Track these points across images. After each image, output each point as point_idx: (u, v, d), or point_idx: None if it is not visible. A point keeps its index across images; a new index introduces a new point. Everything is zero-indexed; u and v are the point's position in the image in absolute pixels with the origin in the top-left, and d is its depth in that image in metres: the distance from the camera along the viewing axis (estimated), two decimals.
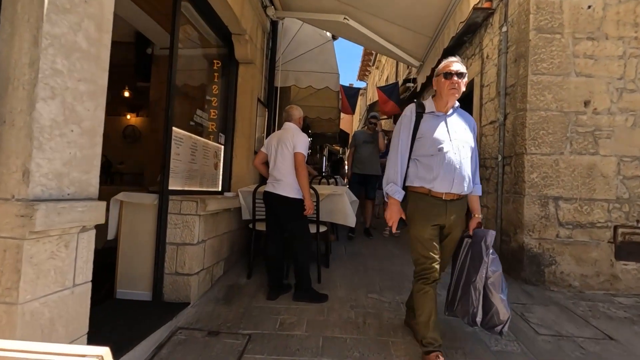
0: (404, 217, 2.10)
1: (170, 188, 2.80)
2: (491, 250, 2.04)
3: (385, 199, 2.16)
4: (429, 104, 2.15)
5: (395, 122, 11.98)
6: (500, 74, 4.22)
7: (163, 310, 2.48)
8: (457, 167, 1.99)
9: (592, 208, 3.55)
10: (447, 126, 2.06)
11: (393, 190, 2.08)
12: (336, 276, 3.52)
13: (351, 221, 3.52)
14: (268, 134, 4.91)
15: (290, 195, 2.85)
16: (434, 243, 2.07)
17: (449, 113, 2.12)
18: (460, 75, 2.05)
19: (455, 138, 2.03)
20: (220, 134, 3.89)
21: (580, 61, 3.61)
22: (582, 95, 3.59)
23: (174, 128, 2.83)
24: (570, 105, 3.60)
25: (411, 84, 9.00)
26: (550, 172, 3.60)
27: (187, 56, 3.78)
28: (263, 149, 3.15)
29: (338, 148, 20.32)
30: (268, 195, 2.96)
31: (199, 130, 3.47)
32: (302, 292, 2.88)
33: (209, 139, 3.66)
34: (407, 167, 2.10)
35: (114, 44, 1.60)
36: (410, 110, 2.15)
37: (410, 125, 2.10)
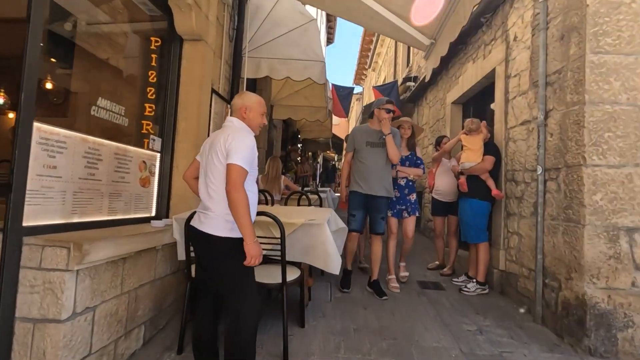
0: None
1: (31, 223, 1.69)
2: None
3: None
4: None
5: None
6: (537, 59, 3.15)
7: None
8: None
9: None
10: None
11: None
12: (313, 344, 2.39)
13: (334, 266, 2.38)
14: None
15: (219, 234, 1.73)
16: None
17: None
18: None
19: None
20: (152, 137, 2.77)
21: None
22: None
23: (37, 125, 1.71)
24: None
25: (412, 83, 7.96)
26: (621, 193, 2.51)
27: (106, 31, 2.69)
28: (198, 157, 2.03)
29: (333, 154, 19.26)
30: (192, 232, 1.84)
31: (111, 131, 2.35)
32: None
33: (132, 144, 2.54)
34: None
35: None
36: None
37: None
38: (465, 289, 3.60)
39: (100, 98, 2.23)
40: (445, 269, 4.26)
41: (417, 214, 3.81)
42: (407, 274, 3.95)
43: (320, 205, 4.27)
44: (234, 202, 1.64)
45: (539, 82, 3.06)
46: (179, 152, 2.93)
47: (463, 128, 3.90)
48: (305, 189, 5.12)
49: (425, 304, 3.25)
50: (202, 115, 3.03)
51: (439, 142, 4.47)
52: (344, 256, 3.18)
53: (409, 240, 3.85)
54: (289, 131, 9.81)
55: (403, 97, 8.49)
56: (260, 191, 4.02)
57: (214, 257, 1.76)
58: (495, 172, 3.70)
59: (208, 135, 3.19)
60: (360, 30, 18.31)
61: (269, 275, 2.37)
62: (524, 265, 3.31)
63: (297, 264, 2.61)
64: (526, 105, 3.37)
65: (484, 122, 3.83)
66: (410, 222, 3.77)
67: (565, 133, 2.76)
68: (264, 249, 2.34)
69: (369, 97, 15.00)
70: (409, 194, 3.78)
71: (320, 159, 20.09)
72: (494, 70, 4.05)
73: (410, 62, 9.05)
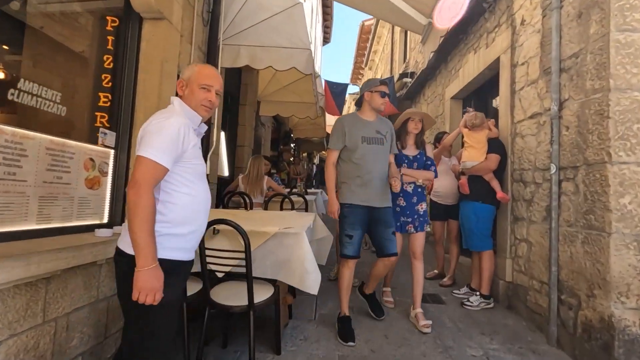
0: None
1: None
2: None
3: None
4: None
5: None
6: (548, 42, 2.77)
7: None
8: None
9: None
10: None
11: None
12: None
13: (311, 284, 1.97)
14: (209, 136, 3.43)
15: (124, 248, 1.35)
16: None
17: None
18: None
19: None
20: (103, 131, 2.37)
21: None
22: None
23: None
24: None
25: (408, 79, 7.59)
26: None
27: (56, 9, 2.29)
28: None
29: None
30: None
31: (43, 121, 1.95)
32: None
33: (77, 138, 2.14)
34: None
35: None
36: None
37: None
38: (468, 303, 3.20)
39: (23, 80, 1.83)
40: (445, 279, 3.87)
41: (427, 228, 2.97)
42: (392, 300, 3.25)
43: (306, 210, 3.86)
44: (131, 207, 1.22)
45: (552, 68, 2.68)
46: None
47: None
48: (294, 190, 4.72)
49: None
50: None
51: (438, 139, 4.09)
52: (334, 285, 2.64)
53: (416, 263, 2.94)
54: (281, 130, 9.42)
55: (400, 94, 8.11)
56: (239, 193, 3.63)
57: (118, 279, 1.37)
58: (500, 172, 3.32)
59: None
60: (356, 28, 17.97)
61: (234, 296, 1.97)
62: (534, 277, 2.92)
63: (272, 280, 2.21)
64: (536, 96, 2.99)
65: (492, 120, 3.45)
66: (418, 239, 2.90)
67: (584, 126, 2.38)
68: (229, 264, 1.96)
69: None
70: (418, 202, 2.89)
71: (316, 159, 19.71)
72: (498, 60, 3.67)
73: (407, 57, 8.68)
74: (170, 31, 2.65)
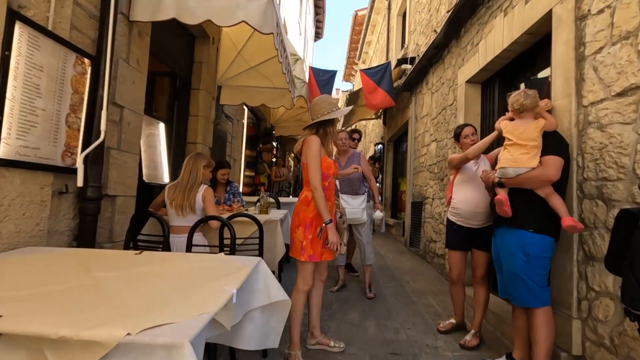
0: None
1: None
2: None
3: None
4: None
5: (385, 122, 9.09)
6: None
7: None
8: None
9: None
10: None
11: None
12: None
13: None
14: (92, 113, 2.19)
15: None
16: None
17: None
18: None
19: None
20: None
21: None
22: None
23: None
24: None
25: (408, 66, 6.40)
26: None
27: None
28: None
29: None
30: None
31: None
32: None
33: None
34: None
35: None
36: None
37: None
38: None
39: None
40: (468, 338, 2.64)
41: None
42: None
43: (260, 255, 2.49)
44: None
45: None
46: None
47: (497, 117, 2.30)
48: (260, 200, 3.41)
49: None
50: None
51: (458, 135, 2.86)
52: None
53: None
54: (260, 127, 8.17)
55: (397, 85, 6.92)
56: (149, 215, 2.36)
57: None
58: (561, 184, 2.12)
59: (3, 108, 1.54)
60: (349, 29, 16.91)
61: None
62: (630, 357, 1.73)
63: None
64: (635, 59, 1.79)
65: (547, 101, 2.26)
66: None
67: None
68: None
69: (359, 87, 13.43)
70: None
71: None
72: (548, 15, 2.47)
73: (406, 42, 7.49)
74: None
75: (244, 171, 7.54)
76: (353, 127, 10.72)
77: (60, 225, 1.99)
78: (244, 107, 6.62)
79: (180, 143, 4.02)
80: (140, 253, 1.61)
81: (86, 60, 2.04)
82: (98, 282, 1.19)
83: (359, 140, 4.22)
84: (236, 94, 4.54)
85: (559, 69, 2.35)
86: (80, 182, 1.80)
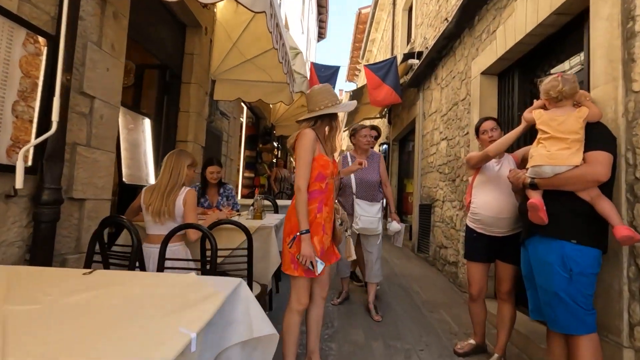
0: None
1: None
2: None
3: None
4: None
5: (390, 120, 8.68)
6: None
7: None
8: None
9: None
10: None
11: None
12: None
13: None
14: (45, 95, 1.87)
15: None
16: None
17: None
18: None
19: None
20: None
21: None
22: None
23: None
24: None
25: (415, 61, 6.05)
26: None
27: None
28: None
29: None
30: None
31: None
32: None
33: None
34: None
35: None
36: None
37: None
38: None
39: None
40: None
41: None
42: None
43: (248, 274, 2.13)
44: None
45: None
46: None
47: (516, 111, 1.96)
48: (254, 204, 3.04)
49: None
50: None
51: (477, 130, 2.50)
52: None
53: None
54: (260, 126, 7.85)
55: (403, 81, 6.57)
56: (119, 223, 2.01)
57: None
58: (606, 186, 1.76)
59: None
60: (352, 23, 16.59)
61: None
62: None
63: None
64: None
65: (584, 93, 1.91)
66: None
67: None
68: None
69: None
70: None
71: None
72: None
73: (412, 36, 7.13)
74: None
75: (243, 172, 7.22)
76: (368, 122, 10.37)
77: (8, 234, 1.66)
78: (242, 104, 6.31)
79: (169, 141, 3.70)
80: (91, 272, 1.28)
81: (41, 39, 1.72)
82: (5, 319, 0.86)
83: (376, 138, 3.77)
84: (231, 88, 4.21)
85: (600, 49, 2.00)
86: (19, 184, 1.48)
